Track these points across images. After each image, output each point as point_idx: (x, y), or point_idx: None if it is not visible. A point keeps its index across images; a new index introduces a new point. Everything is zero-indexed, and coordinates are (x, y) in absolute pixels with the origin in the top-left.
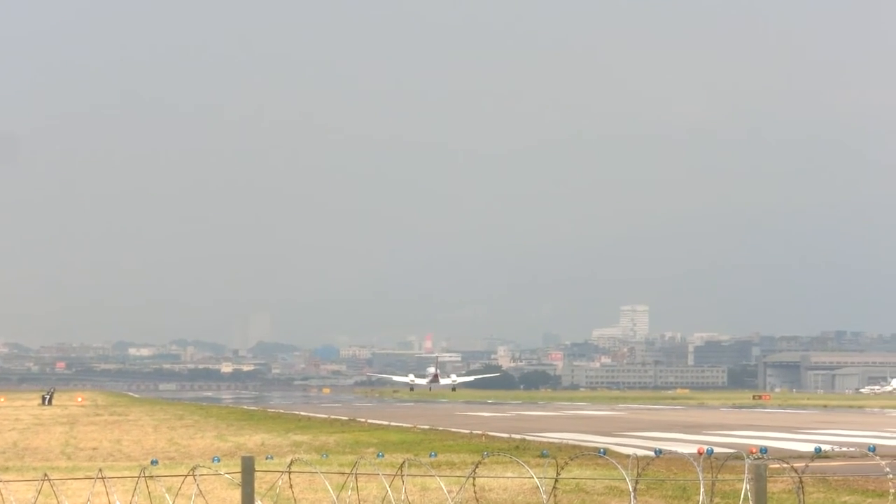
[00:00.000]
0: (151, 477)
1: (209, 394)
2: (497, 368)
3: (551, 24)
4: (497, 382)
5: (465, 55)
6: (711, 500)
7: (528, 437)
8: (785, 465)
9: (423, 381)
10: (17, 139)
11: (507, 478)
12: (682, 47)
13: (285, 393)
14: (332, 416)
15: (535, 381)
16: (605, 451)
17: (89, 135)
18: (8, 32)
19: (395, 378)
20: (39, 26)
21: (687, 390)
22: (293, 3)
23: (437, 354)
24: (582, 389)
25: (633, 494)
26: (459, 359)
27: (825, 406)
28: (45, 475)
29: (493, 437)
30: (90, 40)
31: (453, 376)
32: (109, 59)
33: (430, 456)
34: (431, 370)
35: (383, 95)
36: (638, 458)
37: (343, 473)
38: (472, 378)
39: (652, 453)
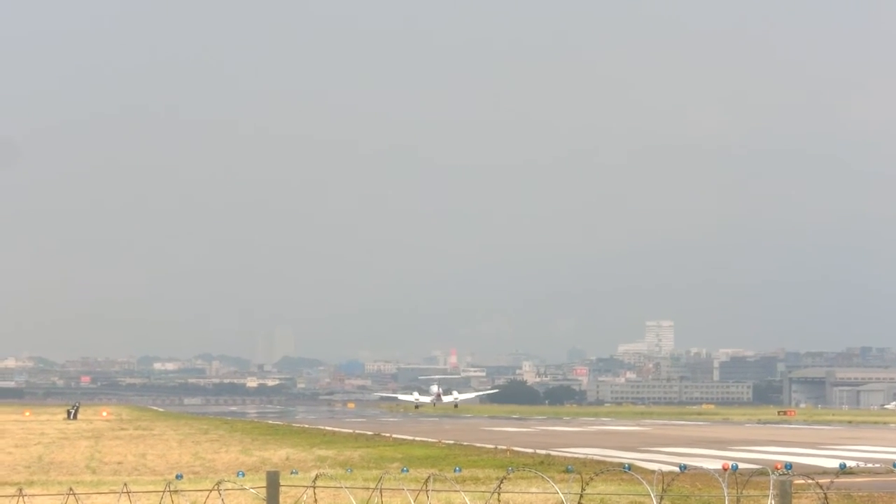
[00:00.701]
0: (176, 491)
1: (234, 408)
2: (521, 384)
3: (567, 41)
4: (520, 397)
5: (483, 73)
6: None
7: (552, 453)
8: (810, 481)
9: (428, 399)
10: (24, 146)
11: (532, 493)
12: (705, 66)
13: (310, 407)
14: (357, 431)
15: (560, 397)
16: (630, 467)
17: (114, 148)
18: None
19: (401, 397)
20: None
21: (712, 406)
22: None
23: (438, 376)
24: (607, 405)
25: None
26: (484, 374)
27: (850, 422)
28: (71, 489)
29: (518, 452)
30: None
31: (455, 393)
32: (117, 67)
33: (455, 471)
34: (435, 389)
35: (405, 113)
36: (663, 474)
37: (368, 488)
38: (473, 395)
39: (677, 469)
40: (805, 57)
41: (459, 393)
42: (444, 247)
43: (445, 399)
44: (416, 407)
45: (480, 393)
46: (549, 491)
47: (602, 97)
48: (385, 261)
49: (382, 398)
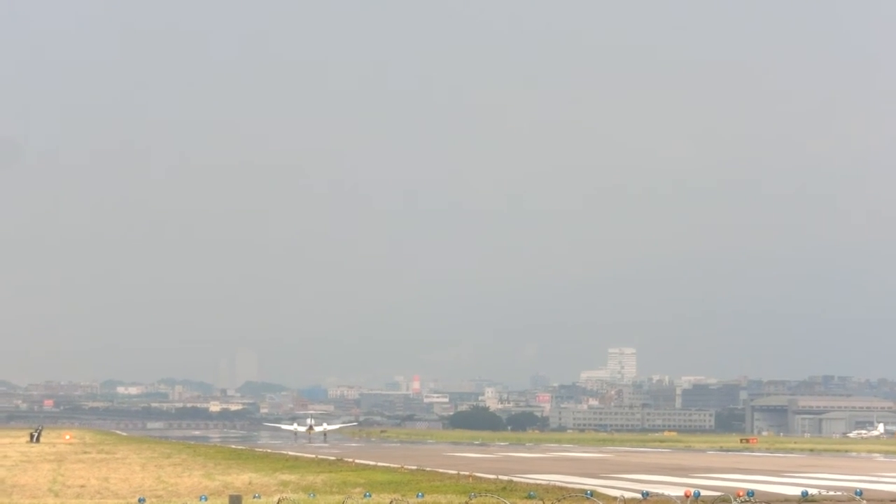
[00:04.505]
0: None
1: (197, 433)
2: (484, 410)
3: (536, 74)
4: (482, 423)
5: (448, 105)
6: None
7: (515, 479)
8: None
9: (303, 429)
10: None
11: None
12: (670, 98)
13: (273, 432)
14: (320, 456)
15: (523, 423)
16: (592, 493)
17: (77, 180)
18: None
19: (283, 426)
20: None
21: (674, 433)
22: (279, 46)
23: (311, 411)
24: (569, 431)
25: None
26: (447, 400)
27: (812, 450)
28: None
29: (480, 478)
30: (70, 77)
31: (325, 424)
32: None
33: (418, 496)
34: (309, 421)
35: (369, 144)
36: (625, 501)
37: None
38: (338, 426)
39: (639, 495)
40: (771, 92)
41: (329, 424)
42: (408, 275)
43: (317, 429)
44: (296, 436)
45: (345, 425)
46: None
47: (566, 130)
48: (350, 288)
49: (265, 425)
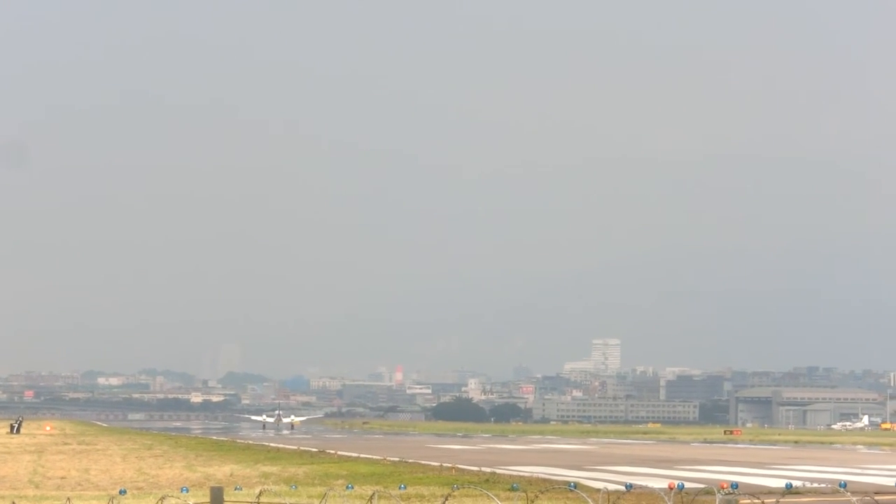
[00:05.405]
0: None
1: (178, 424)
2: (467, 402)
3: (531, 71)
4: (465, 415)
5: (445, 102)
6: None
7: (498, 471)
8: (756, 501)
9: (272, 420)
10: None
11: None
12: (661, 80)
13: (255, 423)
14: (302, 448)
15: (506, 414)
16: (576, 485)
17: (62, 176)
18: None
19: (253, 417)
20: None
21: (658, 425)
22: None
23: (279, 401)
24: (553, 423)
25: None
26: (430, 391)
27: (796, 442)
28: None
29: (463, 469)
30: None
31: (292, 416)
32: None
33: (400, 488)
34: (277, 412)
35: (360, 140)
36: (608, 493)
37: None
38: (305, 417)
39: (623, 487)
40: (759, 77)
41: (296, 416)
42: (391, 265)
43: (285, 420)
44: (264, 427)
45: (311, 416)
46: None
47: (555, 125)
48: (330, 279)
49: (236, 416)
